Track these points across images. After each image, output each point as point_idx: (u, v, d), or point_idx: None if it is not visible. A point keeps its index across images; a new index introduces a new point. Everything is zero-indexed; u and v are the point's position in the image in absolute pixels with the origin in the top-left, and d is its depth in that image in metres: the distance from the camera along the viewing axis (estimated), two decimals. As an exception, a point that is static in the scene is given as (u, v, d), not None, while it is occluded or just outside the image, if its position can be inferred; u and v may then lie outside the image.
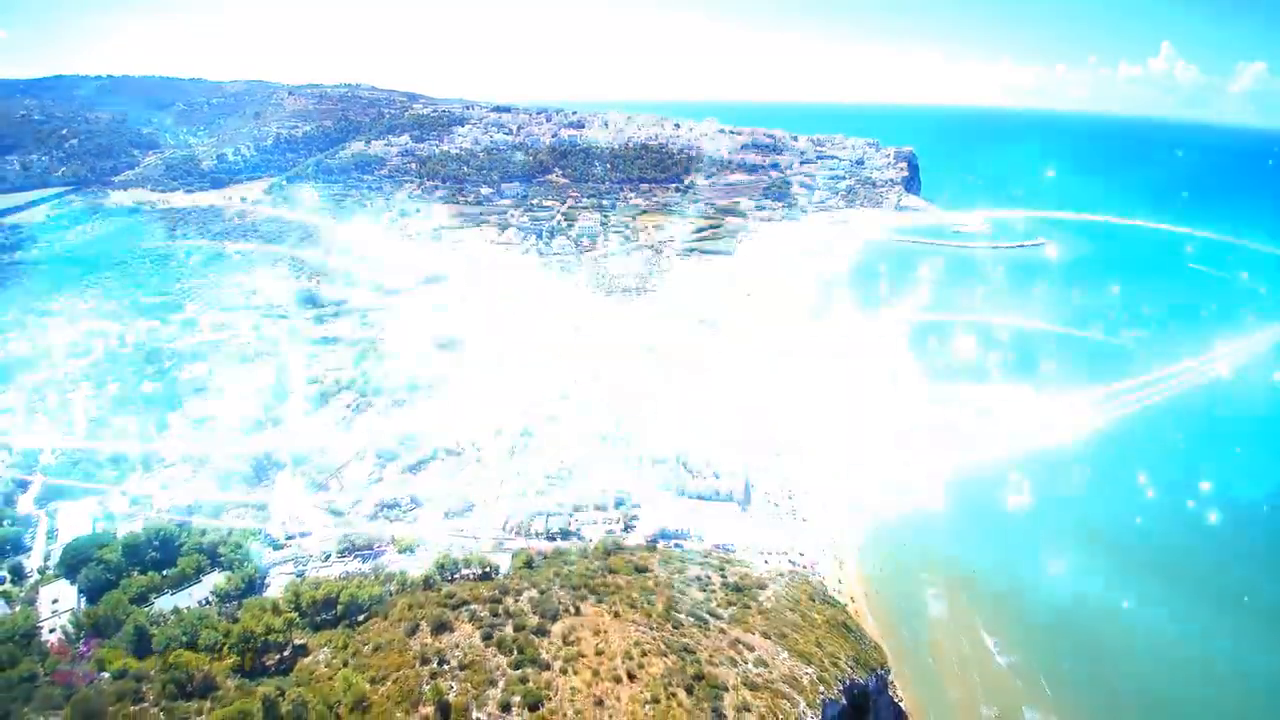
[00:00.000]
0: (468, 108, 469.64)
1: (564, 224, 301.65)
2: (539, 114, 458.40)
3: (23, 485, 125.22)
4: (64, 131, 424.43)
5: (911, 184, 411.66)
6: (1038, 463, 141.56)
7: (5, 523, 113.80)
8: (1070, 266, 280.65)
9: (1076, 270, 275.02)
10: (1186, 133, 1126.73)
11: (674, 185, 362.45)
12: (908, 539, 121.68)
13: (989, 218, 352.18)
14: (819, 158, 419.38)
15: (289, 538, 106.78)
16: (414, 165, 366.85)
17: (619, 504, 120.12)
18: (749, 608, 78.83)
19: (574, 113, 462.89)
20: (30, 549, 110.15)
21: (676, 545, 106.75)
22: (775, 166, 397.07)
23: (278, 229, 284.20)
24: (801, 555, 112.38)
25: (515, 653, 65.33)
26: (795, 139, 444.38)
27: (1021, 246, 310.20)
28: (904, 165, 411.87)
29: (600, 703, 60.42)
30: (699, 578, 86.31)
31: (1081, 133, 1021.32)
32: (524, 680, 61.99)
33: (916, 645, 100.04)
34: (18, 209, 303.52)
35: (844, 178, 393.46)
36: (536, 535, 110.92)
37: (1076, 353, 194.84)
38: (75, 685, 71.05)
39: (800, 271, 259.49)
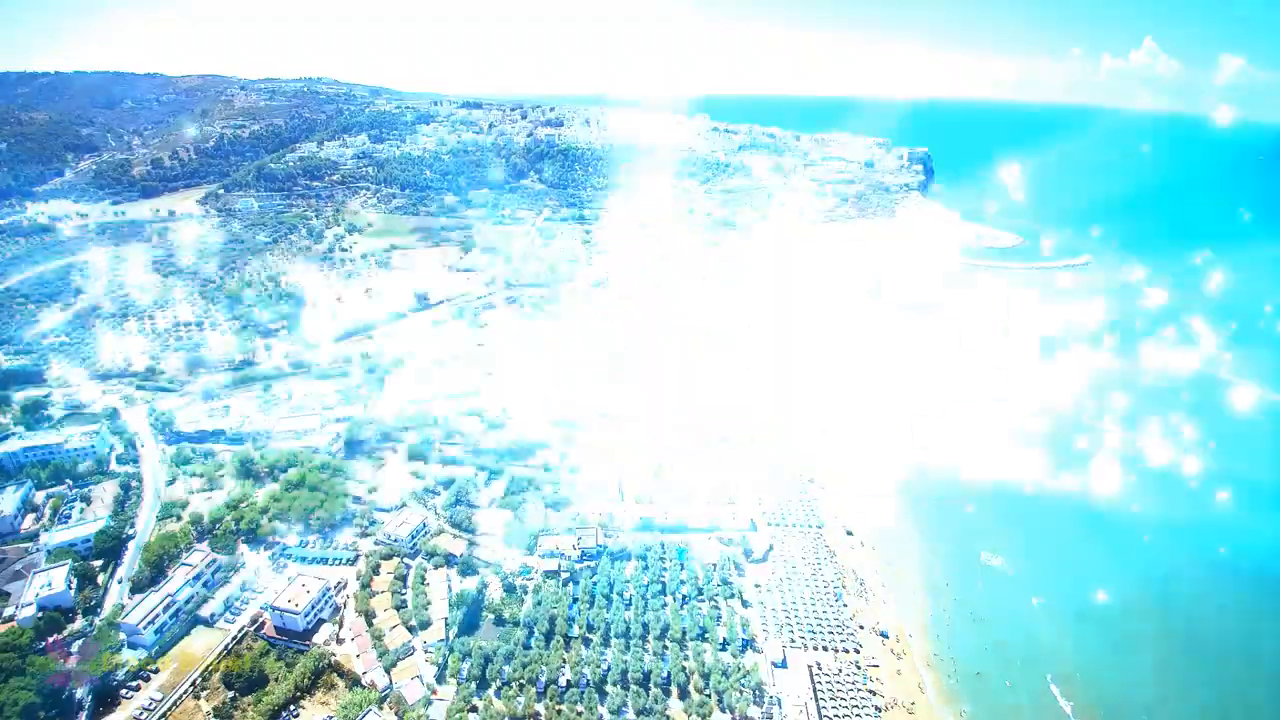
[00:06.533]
0: (435, 103, 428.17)
1: (540, 243, 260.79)
2: (513, 110, 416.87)
3: None
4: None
5: (926, 189, 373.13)
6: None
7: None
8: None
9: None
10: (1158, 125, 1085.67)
11: (663, 192, 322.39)
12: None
13: (1019, 228, 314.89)
14: (824, 159, 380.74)
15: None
16: (370, 170, 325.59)
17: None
18: None
19: (552, 109, 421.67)
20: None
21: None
22: (778, 170, 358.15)
23: (208, 251, 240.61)
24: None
25: None
26: (798, 138, 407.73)
27: (1069, 265, 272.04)
28: (919, 168, 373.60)
29: None
30: None
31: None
32: None
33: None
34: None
35: (853, 182, 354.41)
36: None
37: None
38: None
39: (800, 295, 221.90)
